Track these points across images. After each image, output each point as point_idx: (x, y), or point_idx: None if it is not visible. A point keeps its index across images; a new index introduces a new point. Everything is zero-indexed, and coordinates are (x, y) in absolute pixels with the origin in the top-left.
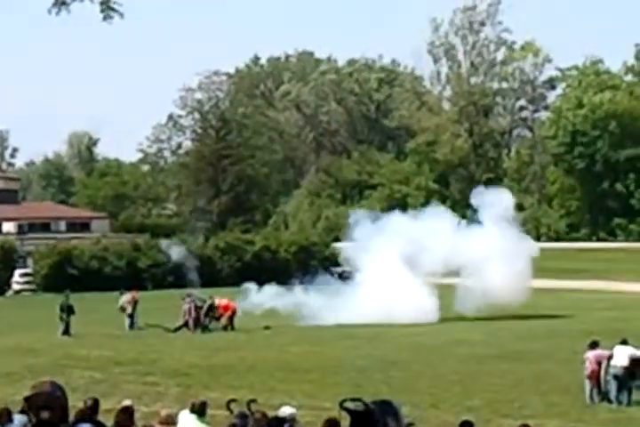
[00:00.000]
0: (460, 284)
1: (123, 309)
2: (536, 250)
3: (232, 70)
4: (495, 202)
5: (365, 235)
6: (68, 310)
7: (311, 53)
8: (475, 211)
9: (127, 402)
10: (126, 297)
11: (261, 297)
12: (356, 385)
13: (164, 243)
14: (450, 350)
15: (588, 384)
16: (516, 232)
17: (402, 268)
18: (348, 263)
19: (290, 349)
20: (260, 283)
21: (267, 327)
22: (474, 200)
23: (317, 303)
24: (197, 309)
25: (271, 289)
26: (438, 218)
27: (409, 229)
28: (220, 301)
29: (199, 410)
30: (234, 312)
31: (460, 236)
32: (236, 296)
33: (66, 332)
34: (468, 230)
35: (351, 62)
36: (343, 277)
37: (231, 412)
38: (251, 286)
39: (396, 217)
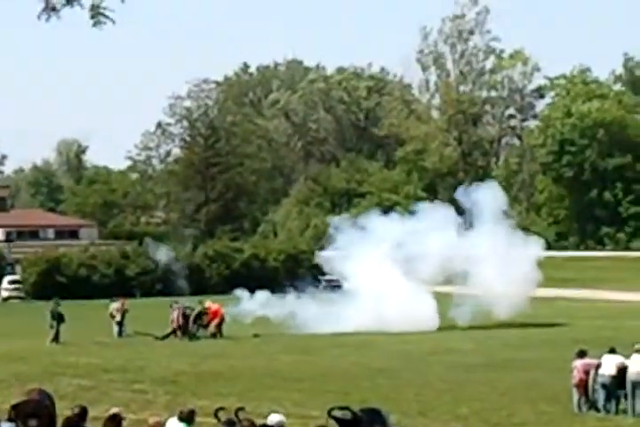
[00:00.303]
0: (457, 292)
1: (112, 316)
2: (540, 254)
3: (221, 78)
4: (485, 199)
5: (349, 241)
6: (58, 317)
7: (300, 62)
8: (462, 212)
9: (115, 410)
10: (116, 304)
11: (252, 305)
12: (345, 393)
13: (150, 245)
14: (439, 359)
15: (575, 393)
16: (517, 233)
17: (395, 274)
18: (334, 272)
19: (279, 357)
20: (249, 291)
21: (256, 335)
22: (461, 199)
23: (308, 312)
24: (185, 316)
25: (262, 296)
26: (432, 218)
27: (398, 232)
28: (212, 305)
29: (187, 418)
30: (222, 319)
31: (456, 239)
32: (227, 303)
33: (55, 339)
34: (464, 233)
35: (340, 70)
36: (331, 285)
37: (219, 420)
38: (241, 294)
39: (383, 220)
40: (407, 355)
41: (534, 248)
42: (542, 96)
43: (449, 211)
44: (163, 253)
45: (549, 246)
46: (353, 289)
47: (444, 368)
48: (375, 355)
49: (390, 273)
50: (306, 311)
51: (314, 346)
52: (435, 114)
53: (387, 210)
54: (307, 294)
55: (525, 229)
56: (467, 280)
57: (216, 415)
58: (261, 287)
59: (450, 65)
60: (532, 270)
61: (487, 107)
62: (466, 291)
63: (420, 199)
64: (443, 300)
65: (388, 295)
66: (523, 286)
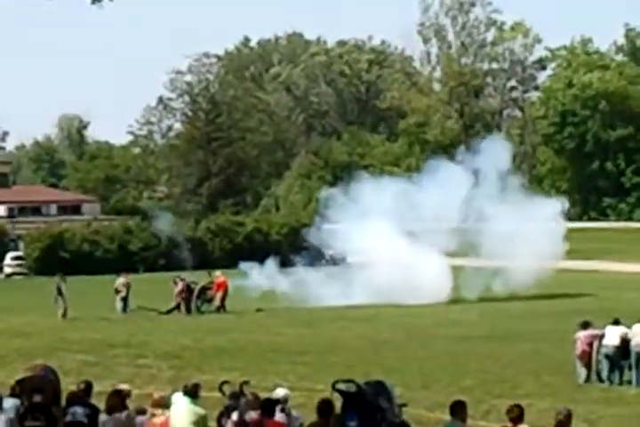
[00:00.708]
0: (467, 264)
1: (117, 291)
2: (564, 225)
3: (222, 52)
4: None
5: (348, 214)
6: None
7: (301, 35)
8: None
9: (123, 386)
10: (122, 279)
11: (256, 279)
12: (349, 366)
13: (154, 215)
14: (443, 331)
15: (578, 364)
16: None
17: (403, 245)
18: (337, 245)
19: (282, 331)
20: (259, 261)
21: (259, 309)
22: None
23: (312, 285)
24: (190, 290)
25: (266, 270)
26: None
27: (410, 196)
28: (220, 277)
29: (192, 392)
30: (226, 292)
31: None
32: (233, 277)
33: (64, 314)
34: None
35: (341, 43)
36: (334, 259)
37: (224, 394)
38: (246, 267)
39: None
40: (412, 327)
41: (555, 217)
42: (544, 67)
43: (461, 171)
44: (164, 222)
45: None
46: (357, 262)
47: (449, 341)
48: (380, 328)
49: (397, 244)
50: (310, 285)
51: (318, 319)
52: (436, 86)
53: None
54: (310, 268)
55: None
56: (478, 251)
57: (220, 389)
58: (264, 261)
59: (451, 37)
60: (549, 242)
61: (489, 79)
62: (476, 263)
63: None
64: (454, 272)
65: (394, 267)
66: (538, 258)
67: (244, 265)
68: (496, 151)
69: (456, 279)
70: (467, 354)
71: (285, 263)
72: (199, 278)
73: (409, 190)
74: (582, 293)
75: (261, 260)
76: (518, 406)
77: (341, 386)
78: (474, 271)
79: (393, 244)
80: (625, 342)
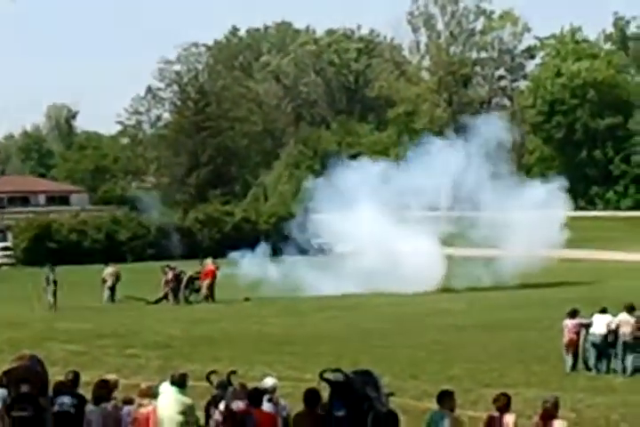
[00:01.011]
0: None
1: (104, 281)
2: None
3: (211, 42)
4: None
5: (335, 202)
6: (53, 283)
7: (290, 24)
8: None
9: (110, 376)
10: (110, 269)
11: (244, 268)
12: (337, 356)
13: (143, 202)
14: (432, 320)
15: (566, 353)
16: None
17: (397, 232)
18: (326, 234)
19: (271, 320)
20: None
21: (247, 299)
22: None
23: (300, 275)
24: (178, 280)
25: (257, 258)
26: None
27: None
28: (210, 265)
29: (179, 382)
30: (213, 280)
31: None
32: (222, 266)
33: (54, 305)
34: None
35: (330, 33)
36: (321, 248)
37: (211, 384)
38: (236, 256)
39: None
40: (400, 316)
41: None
42: (532, 56)
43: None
44: (155, 212)
45: None
46: (345, 251)
47: (437, 330)
48: (368, 317)
49: (386, 232)
50: (298, 274)
51: (306, 309)
52: (425, 75)
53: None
54: (299, 258)
55: None
56: (470, 239)
57: (208, 379)
58: (253, 251)
59: (440, 26)
60: (547, 230)
61: (477, 68)
62: (467, 252)
63: None
64: (445, 260)
65: (382, 256)
66: (533, 246)
67: (233, 254)
68: (492, 129)
69: (447, 268)
70: (455, 343)
71: (275, 252)
72: (189, 268)
73: (394, 174)
74: (571, 281)
75: (251, 249)
76: (505, 395)
77: (329, 375)
78: (464, 260)
79: (381, 232)
80: (612, 330)
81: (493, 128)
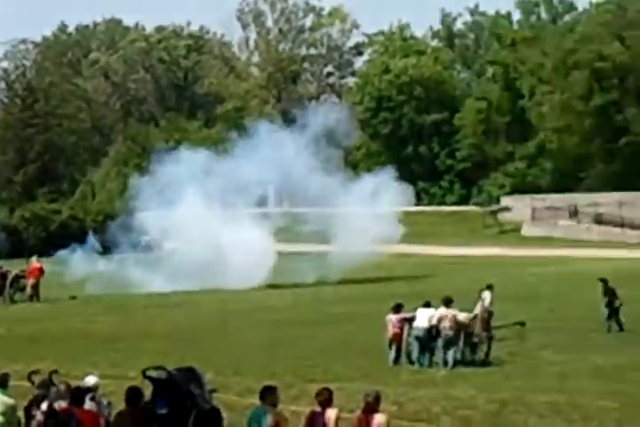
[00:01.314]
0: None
1: None
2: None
3: (39, 39)
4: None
5: (159, 199)
6: None
7: (119, 21)
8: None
9: None
10: None
11: (72, 265)
12: (163, 353)
13: None
14: (257, 316)
15: (389, 347)
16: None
17: (224, 227)
18: (153, 232)
19: (97, 318)
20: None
21: (73, 297)
22: None
23: (126, 272)
24: (4, 278)
25: (83, 256)
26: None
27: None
28: (35, 264)
29: (1, 382)
30: (38, 279)
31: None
32: (48, 265)
33: None
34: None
35: (159, 29)
36: (149, 245)
37: (33, 383)
38: (64, 254)
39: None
40: (227, 313)
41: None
42: (360, 53)
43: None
44: None
45: None
46: (173, 248)
47: (263, 326)
48: (195, 314)
49: (212, 227)
50: (126, 272)
51: (133, 306)
52: (255, 72)
53: None
54: (125, 255)
55: None
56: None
57: (29, 379)
58: (79, 249)
59: (270, 23)
60: (381, 226)
61: (306, 64)
62: (298, 247)
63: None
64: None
65: (209, 252)
66: (364, 242)
67: (61, 252)
68: (320, 122)
69: (276, 264)
70: (279, 339)
71: (103, 250)
72: (15, 267)
73: (219, 166)
74: (399, 276)
75: (78, 246)
76: (327, 390)
77: (152, 373)
78: (293, 256)
79: (208, 227)
80: (434, 325)
81: (322, 121)
